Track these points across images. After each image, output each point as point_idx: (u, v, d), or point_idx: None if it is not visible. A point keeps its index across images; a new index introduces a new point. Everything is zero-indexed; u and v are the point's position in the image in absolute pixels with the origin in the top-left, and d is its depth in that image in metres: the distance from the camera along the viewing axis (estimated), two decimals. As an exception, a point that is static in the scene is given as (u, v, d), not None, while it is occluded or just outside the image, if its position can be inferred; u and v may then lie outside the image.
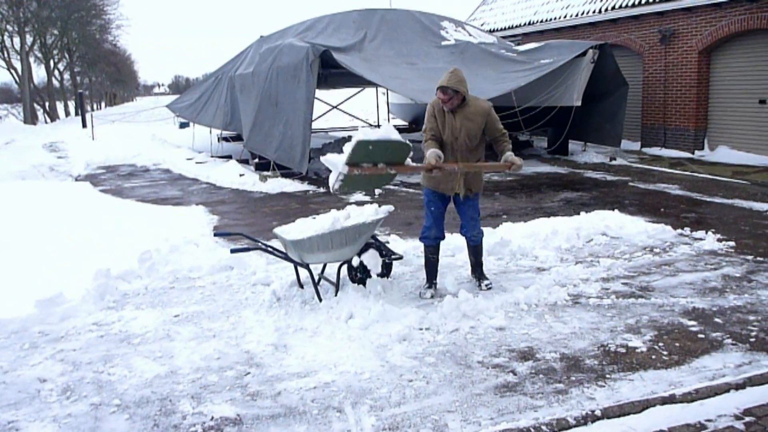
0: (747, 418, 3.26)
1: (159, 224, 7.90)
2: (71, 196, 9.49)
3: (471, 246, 5.40)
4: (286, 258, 5.10)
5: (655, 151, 14.01)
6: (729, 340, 4.20)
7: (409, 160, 4.78)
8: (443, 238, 5.33)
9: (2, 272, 5.83)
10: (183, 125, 21.92)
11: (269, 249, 5.20)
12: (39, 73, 43.57)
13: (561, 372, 3.83)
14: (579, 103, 12.88)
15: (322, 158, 4.81)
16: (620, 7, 14.54)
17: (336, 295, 5.00)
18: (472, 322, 4.57)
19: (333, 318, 4.67)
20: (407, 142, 4.71)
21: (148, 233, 7.26)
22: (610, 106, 13.16)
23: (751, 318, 4.57)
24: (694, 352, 4.05)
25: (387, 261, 5.35)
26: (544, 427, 3.22)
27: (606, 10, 14.95)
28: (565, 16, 16.43)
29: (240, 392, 3.70)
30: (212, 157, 15.71)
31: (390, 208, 5.22)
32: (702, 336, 4.28)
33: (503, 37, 17.13)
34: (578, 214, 7.50)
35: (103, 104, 68.29)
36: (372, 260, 5.18)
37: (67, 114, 46.76)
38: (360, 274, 5.29)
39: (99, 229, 7.42)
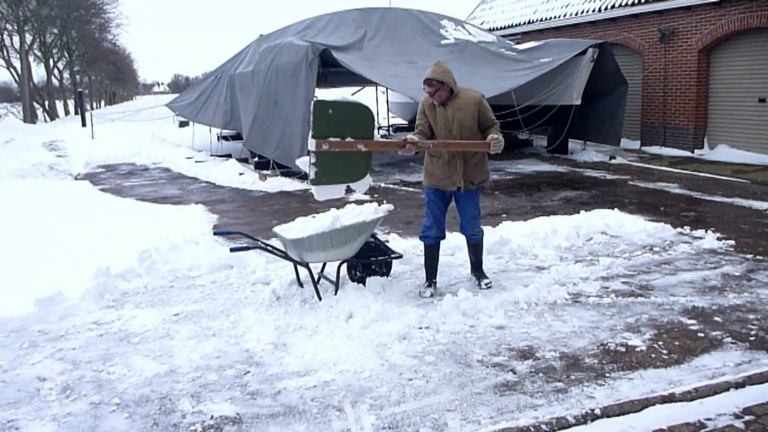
0: (747, 417, 3.26)
1: (158, 223, 7.90)
2: (71, 194, 9.49)
3: (471, 245, 5.40)
4: (286, 257, 5.10)
5: (655, 149, 14.00)
6: (729, 339, 4.20)
7: (378, 136, 4.78)
8: (443, 237, 5.32)
9: (2, 271, 5.83)
10: (182, 124, 21.91)
11: (269, 248, 5.19)
12: (38, 72, 43.60)
13: (561, 371, 3.83)
14: (579, 102, 12.87)
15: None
16: (620, 5, 14.53)
17: (336, 294, 5.00)
18: (471, 321, 4.57)
19: (333, 317, 4.67)
20: (367, 106, 4.73)
21: (147, 232, 7.26)
22: (610, 104, 13.15)
23: (751, 317, 4.57)
24: (694, 350, 4.05)
25: (387, 260, 5.36)
26: (543, 426, 3.22)
27: (606, 8, 14.94)
28: (564, 15, 16.42)
29: (239, 391, 3.70)
30: (212, 155, 15.72)
31: (390, 206, 5.22)
32: (702, 335, 4.28)
33: (503, 36, 17.11)
34: (578, 212, 7.50)
35: (102, 103, 68.25)
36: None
37: (67, 113, 46.76)
38: (360, 273, 5.30)
39: (98, 227, 7.42)
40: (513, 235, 6.56)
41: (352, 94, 20.68)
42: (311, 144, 4.54)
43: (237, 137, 15.95)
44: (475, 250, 5.40)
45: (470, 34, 14.39)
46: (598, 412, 3.33)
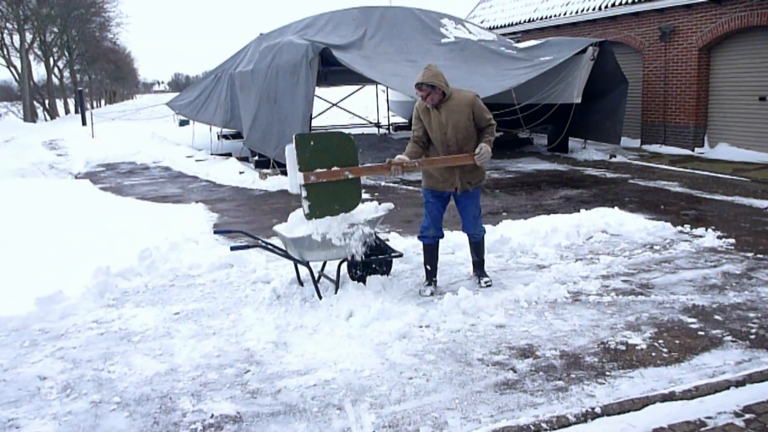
0: (747, 415, 3.26)
1: (159, 222, 7.90)
2: (71, 193, 9.48)
3: (473, 243, 5.40)
4: (286, 256, 5.10)
5: (655, 148, 14.00)
6: (729, 337, 4.20)
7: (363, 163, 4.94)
8: (442, 236, 5.32)
9: (2, 270, 5.83)
10: (183, 123, 21.90)
11: (269, 246, 5.20)
12: (39, 71, 43.54)
13: (561, 369, 3.83)
14: (579, 101, 12.86)
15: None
16: (620, 4, 14.52)
17: (336, 292, 5.00)
18: (472, 320, 4.57)
19: (333, 315, 4.67)
20: (348, 134, 4.89)
21: (147, 231, 7.26)
22: (610, 103, 13.14)
23: (751, 315, 4.57)
24: (694, 349, 4.05)
25: (388, 258, 5.36)
26: (544, 425, 3.22)
27: (606, 7, 14.93)
28: (564, 14, 16.41)
29: (240, 390, 3.70)
30: (212, 154, 15.71)
31: (390, 205, 5.22)
32: (702, 333, 4.28)
33: (503, 35, 17.11)
34: (578, 211, 7.50)
35: (102, 102, 68.22)
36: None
37: (67, 112, 46.72)
38: (360, 272, 5.30)
39: (99, 226, 7.42)
40: (513, 233, 6.56)
41: (352, 94, 20.69)
42: (300, 178, 4.73)
43: (237, 136, 15.94)
44: (477, 249, 5.41)
45: (470, 32, 14.38)
46: (598, 410, 3.33)
